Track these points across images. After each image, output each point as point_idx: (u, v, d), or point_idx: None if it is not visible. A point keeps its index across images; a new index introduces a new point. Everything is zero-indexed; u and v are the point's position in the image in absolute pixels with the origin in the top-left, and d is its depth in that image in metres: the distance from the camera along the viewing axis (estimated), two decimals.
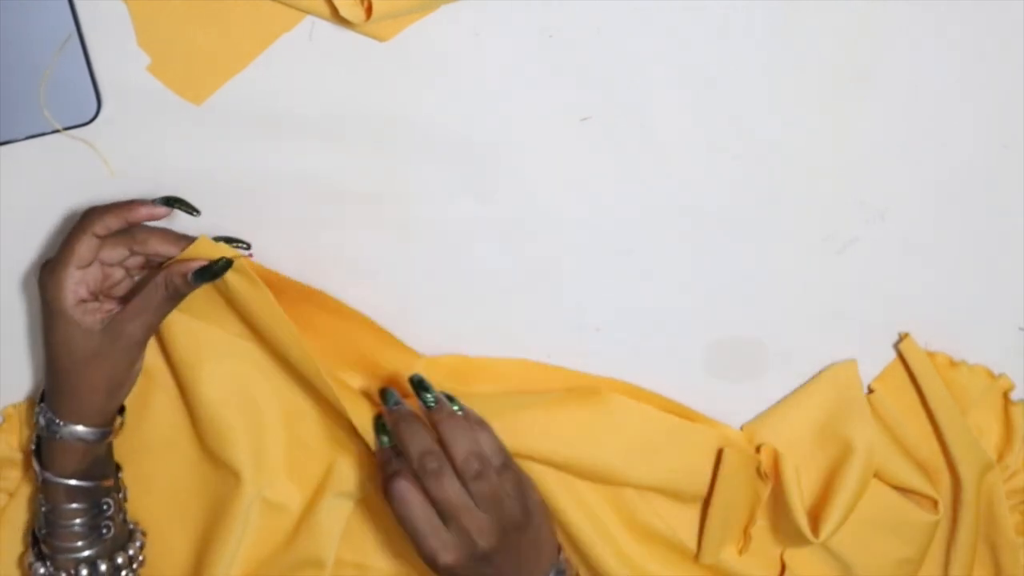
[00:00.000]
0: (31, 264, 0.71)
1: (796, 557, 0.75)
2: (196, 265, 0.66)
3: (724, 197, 0.71)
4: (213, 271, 0.66)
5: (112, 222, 0.65)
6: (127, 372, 0.68)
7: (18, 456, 0.73)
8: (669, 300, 0.73)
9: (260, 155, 0.69)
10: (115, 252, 0.66)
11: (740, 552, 0.75)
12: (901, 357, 0.73)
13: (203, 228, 0.70)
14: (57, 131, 0.67)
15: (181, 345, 0.71)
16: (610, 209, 0.72)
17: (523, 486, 0.68)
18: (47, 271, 0.65)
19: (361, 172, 0.70)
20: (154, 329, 0.68)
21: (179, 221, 0.69)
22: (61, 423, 0.67)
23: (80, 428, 0.67)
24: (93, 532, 0.69)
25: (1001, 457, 0.74)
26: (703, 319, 0.74)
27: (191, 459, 0.74)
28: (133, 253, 0.67)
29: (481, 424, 0.68)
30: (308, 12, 0.66)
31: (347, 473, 0.73)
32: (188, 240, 0.67)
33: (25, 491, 0.73)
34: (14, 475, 0.73)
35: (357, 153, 0.70)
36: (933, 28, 0.69)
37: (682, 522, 0.75)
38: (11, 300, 0.72)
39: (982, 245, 0.73)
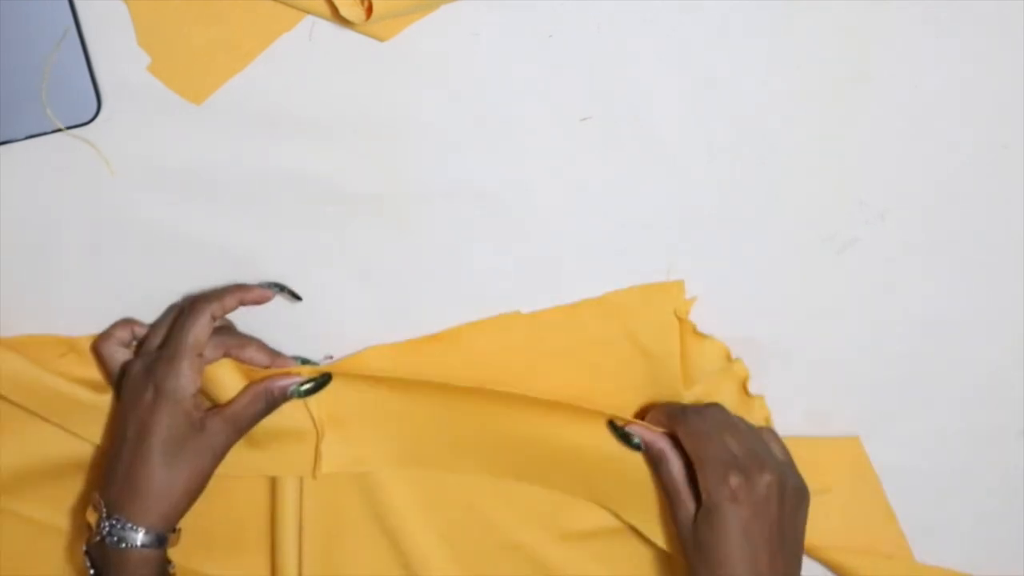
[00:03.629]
0: (31, 264, 0.71)
1: None
2: (298, 381, 0.67)
3: (724, 197, 0.71)
4: (316, 386, 0.68)
5: (229, 303, 0.66)
6: (207, 477, 0.66)
7: None
8: None
9: (260, 155, 0.69)
10: (215, 353, 0.66)
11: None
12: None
13: (205, 227, 0.70)
14: (58, 131, 0.67)
15: None
16: (610, 209, 0.72)
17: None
18: (166, 360, 0.64)
19: (361, 172, 0.70)
20: (242, 435, 0.67)
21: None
22: (131, 526, 0.63)
23: (145, 534, 0.63)
24: None
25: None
26: (703, 319, 0.74)
27: None
28: (228, 356, 0.66)
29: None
30: (308, 12, 0.66)
31: None
32: (278, 354, 0.69)
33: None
34: None
35: (357, 153, 0.70)
36: (933, 28, 0.69)
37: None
38: (11, 300, 0.72)
39: (982, 245, 0.73)
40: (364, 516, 0.74)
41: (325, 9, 0.66)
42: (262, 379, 0.67)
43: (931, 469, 0.76)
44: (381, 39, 0.67)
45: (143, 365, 0.66)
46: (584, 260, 0.72)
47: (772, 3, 0.68)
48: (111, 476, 0.65)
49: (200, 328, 0.65)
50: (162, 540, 0.64)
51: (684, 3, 0.68)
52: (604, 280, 0.73)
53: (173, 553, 0.66)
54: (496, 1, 0.67)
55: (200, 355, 0.65)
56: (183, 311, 0.67)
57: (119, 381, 0.68)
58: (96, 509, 0.65)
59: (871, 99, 0.70)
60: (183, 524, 0.66)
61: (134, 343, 0.70)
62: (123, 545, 0.63)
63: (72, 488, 0.72)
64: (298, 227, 0.71)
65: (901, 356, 0.74)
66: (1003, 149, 0.71)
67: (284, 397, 0.67)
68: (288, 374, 0.67)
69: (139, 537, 0.63)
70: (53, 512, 0.73)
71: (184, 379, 0.64)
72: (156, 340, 0.68)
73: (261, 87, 0.68)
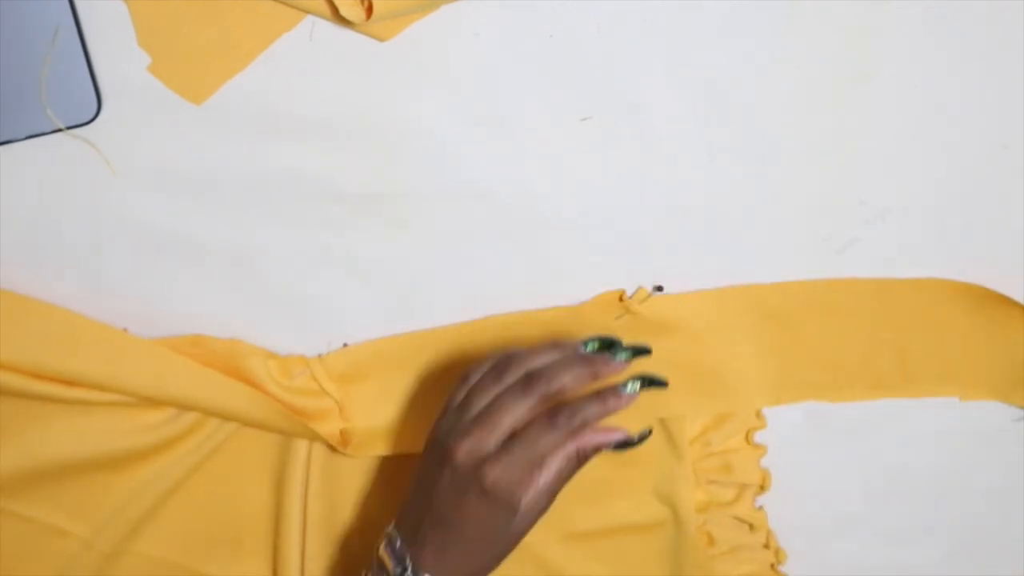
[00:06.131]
0: (32, 264, 0.71)
1: None
2: (615, 438, 0.61)
3: (724, 197, 0.71)
4: (632, 444, 0.61)
5: (590, 443, 0.61)
6: (516, 545, 0.64)
7: None
8: None
9: (260, 155, 0.69)
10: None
11: None
12: None
13: (205, 227, 0.70)
14: (58, 131, 0.67)
15: None
16: (610, 209, 0.72)
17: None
18: (503, 467, 0.59)
19: (361, 172, 0.70)
20: (555, 499, 0.62)
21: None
22: None
23: None
24: None
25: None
26: None
27: None
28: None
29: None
30: (308, 12, 0.66)
31: None
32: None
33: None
34: None
35: (357, 153, 0.70)
36: (933, 28, 0.69)
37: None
38: None
39: (982, 245, 0.73)
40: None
41: (325, 9, 0.66)
42: (569, 438, 0.61)
43: (930, 469, 0.76)
44: (381, 39, 0.67)
45: (471, 457, 0.60)
46: (584, 260, 0.72)
47: (772, 3, 0.68)
48: (421, 536, 0.63)
49: (561, 471, 0.61)
50: None
51: (684, 3, 0.68)
52: (604, 280, 0.73)
53: (173, 550, 0.66)
54: (496, 1, 0.67)
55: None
56: (514, 385, 0.61)
57: (433, 435, 0.65)
58: (395, 559, 0.63)
59: (871, 99, 0.70)
60: (183, 524, 0.66)
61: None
62: None
63: (72, 488, 0.72)
64: (298, 227, 0.71)
65: None
66: (1003, 149, 0.71)
67: (594, 455, 0.61)
68: (605, 429, 0.61)
69: None
70: (53, 512, 0.73)
71: (521, 493, 0.60)
72: (478, 406, 0.62)
73: (261, 87, 0.68)
